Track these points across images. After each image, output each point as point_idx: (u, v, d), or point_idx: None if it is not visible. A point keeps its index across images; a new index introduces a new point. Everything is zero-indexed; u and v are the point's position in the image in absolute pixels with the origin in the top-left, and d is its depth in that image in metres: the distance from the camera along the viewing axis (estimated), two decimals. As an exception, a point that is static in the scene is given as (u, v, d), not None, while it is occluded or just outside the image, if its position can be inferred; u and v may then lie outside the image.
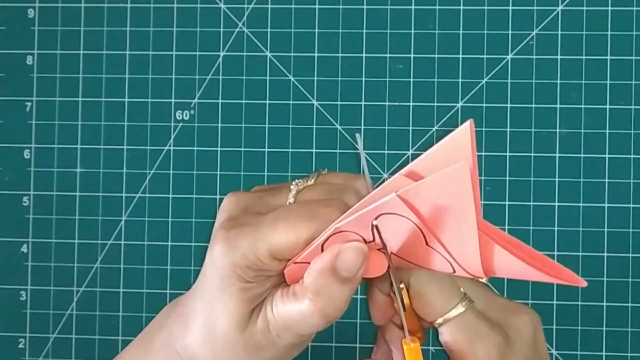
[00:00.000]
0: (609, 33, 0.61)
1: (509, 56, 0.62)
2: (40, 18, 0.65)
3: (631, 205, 0.61)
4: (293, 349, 0.40)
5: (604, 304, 0.60)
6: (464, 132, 0.31)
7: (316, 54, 0.63)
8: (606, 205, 0.61)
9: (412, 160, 0.34)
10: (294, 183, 0.39)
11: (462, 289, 0.39)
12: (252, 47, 0.63)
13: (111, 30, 0.64)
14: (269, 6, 0.63)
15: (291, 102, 0.63)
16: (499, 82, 0.62)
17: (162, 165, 0.63)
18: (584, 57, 0.61)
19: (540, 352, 0.40)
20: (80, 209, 0.64)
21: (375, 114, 0.62)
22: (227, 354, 0.38)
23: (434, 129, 0.62)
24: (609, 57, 0.61)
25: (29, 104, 0.64)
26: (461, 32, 0.62)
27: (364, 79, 0.63)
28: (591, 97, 0.61)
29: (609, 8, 0.61)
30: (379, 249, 0.37)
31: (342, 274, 0.37)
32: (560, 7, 0.62)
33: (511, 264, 0.35)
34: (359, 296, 0.61)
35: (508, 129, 0.61)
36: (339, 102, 0.63)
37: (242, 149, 0.63)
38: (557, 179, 0.61)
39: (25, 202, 0.64)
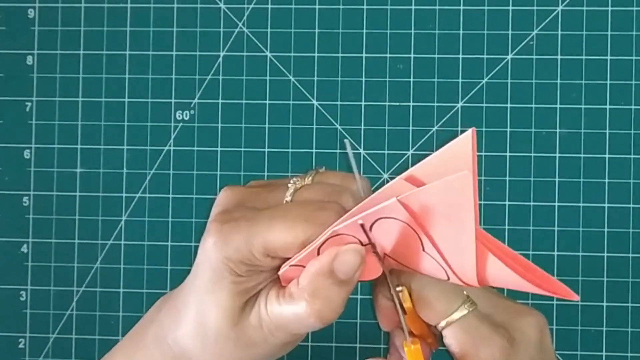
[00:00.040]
0: (609, 33, 0.61)
1: (509, 56, 0.62)
2: (40, 18, 0.65)
3: (631, 205, 0.61)
4: (285, 346, 0.39)
5: (604, 304, 0.60)
6: (466, 140, 0.31)
7: (316, 54, 0.63)
8: (606, 205, 0.61)
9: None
10: (291, 181, 0.39)
11: (465, 292, 0.39)
12: (252, 47, 0.63)
13: (111, 30, 0.64)
14: (269, 6, 0.63)
15: (291, 102, 0.63)
16: (499, 82, 0.62)
17: (162, 166, 0.63)
18: (584, 57, 0.61)
19: (547, 353, 0.40)
20: (80, 209, 0.64)
21: (375, 114, 0.62)
22: (218, 348, 0.38)
23: (434, 129, 0.62)
24: (609, 57, 0.61)
25: (29, 104, 0.64)
26: (461, 32, 0.62)
27: (364, 79, 0.63)
28: (591, 97, 0.61)
29: (609, 8, 0.61)
30: (374, 251, 0.37)
31: (340, 276, 0.37)
32: (560, 7, 0.62)
33: (505, 274, 0.35)
34: (359, 296, 0.61)
35: (508, 129, 0.61)
36: (339, 102, 0.63)
37: (242, 149, 0.63)
38: (557, 179, 0.61)
39: (25, 202, 0.64)
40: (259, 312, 0.38)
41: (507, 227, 0.61)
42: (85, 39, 0.64)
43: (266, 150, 0.63)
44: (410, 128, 0.62)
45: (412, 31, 0.63)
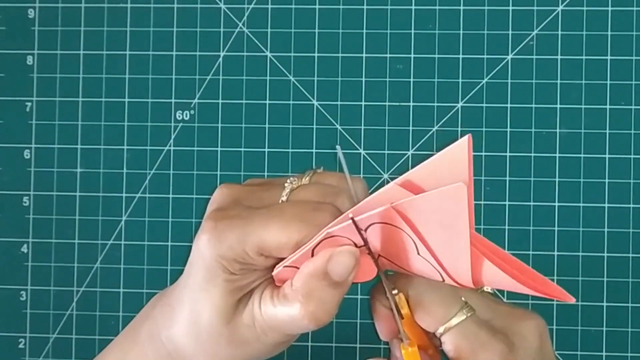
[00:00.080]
0: (609, 33, 0.61)
1: (509, 56, 0.62)
2: (40, 18, 0.65)
3: (631, 205, 0.61)
4: (279, 346, 0.39)
5: (604, 304, 0.60)
6: (462, 146, 0.31)
7: (316, 54, 0.63)
8: (606, 205, 0.61)
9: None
10: (288, 180, 0.39)
11: (462, 298, 0.39)
12: (252, 47, 0.63)
13: (111, 30, 0.64)
14: (269, 6, 0.63)
15: (291, 102, 0.63)
16: (499, 82, 0.62)
17: (162, 166, 0.63)
18: (584, 57, 0.61)
19: (547, 357, 0.40)
20: (81, 209, 0.64)
21: (375, 114, 0.62)
22: (211, 345, 0.38)
23: (434, 129, 0.62)
24: (609, 57, 0.61)
25: (29, 104, 0.64)
26: (461, 32, 0.62)
27: (364, 79, 0.63)
28: (591, 97, 0.61)
29: (609, 8, 0.61)
30: (368, 253, 0.37)
31: (334, 277, 0.37)
32: (560, 7, 0.62)
33: (500, 278, 0.35)
34: (359, 296, 0.61)
35: (508, 129, 0.61)
36: (339, 102, 0.63)
37: (242, 149, 0.63)
38: (557, 179, 0.61)
39: (25, 202, 0.64)
40: (252, 311, 0.38)
41: (507, 227, 0.61)
42: (85, 39, 0.64)
43: (266, 150, 0.63)
44: (410, 128, 0.62)
45: (412, 31, 0.63)
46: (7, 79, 0.65)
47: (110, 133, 0.64)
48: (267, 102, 0.63)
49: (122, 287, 0.63)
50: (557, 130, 0.61)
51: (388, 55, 0.63)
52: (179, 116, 0.64)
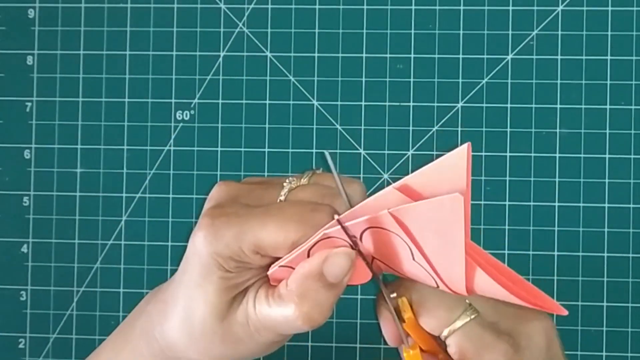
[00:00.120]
0: (609, 33, 0.61)
1: (509, 56, 0.62)
2: (40, 18, 0.65)
3: (631, 206, 0.61)
4: (271, 345, 0.39)
5: (604, 304, 0.60)
6: (461, 154, 0.31)
7: (316, 54, 0.63)
8: (606, 205, 0.61)
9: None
10: (287, 180, 0.39)
11: (467, 300, 0.39)
12: (252, 47, 0.63)
13: (111, 30, 0.64)
14: (269, 6, 0.63)
15: (291, 102, 0.63)
16: (499, 82, 0.62)
17: (162, 166, 0.63)
18: (584, 57, 0.61)
19: (555, 358, 0.39)
20: (81, 209, 0.64)
21: (375, 114, 0.62)
22: (204, 342, 0.38)
23: (434, 129, 0.62)
24: (609, 57, 0.61)
25: (29, 104, 0.64)
26: (461, 32, 0.62)
27: (364, 79, 0.63)
28: (591, 97, 0.61)
29: (609, 8, 0.61)
30: (360, 256, 0.37)
31: (329, 279, 0.37)
32: (560, 7, 0.62)
33: (492, 287, 0.35)
34: (359, 296, 0.61)
35: (508, 129, 0.61)
36: (339, 102, 0.63)
37: (242, 149, 0.63)
38: (557, 179, 0.61)
39: (25, 202, 0.64)
40: (246, 310, 0.38)
41: (507, 227, 0.61)
42: (86, 39, 0.64)
43: (266, 150, 0.63)
44: (410, 128, 0.62)
45: (412, 31, 0.63)
46: (7, 79, 0.65)
47: (110, 133, 0.64)
48: (267, 102, 0.63)
49: (122, 287, 0.63)
50: (557, 130, 0.61)
51: (388, 55, 0.63)
52: (179, 116, 0.64)
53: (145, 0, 0.64)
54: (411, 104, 0.62)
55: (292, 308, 0.36)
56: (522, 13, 0.62)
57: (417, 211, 0.33)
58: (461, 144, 0.64)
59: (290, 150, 0.63)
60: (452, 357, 0.39)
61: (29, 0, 0.65)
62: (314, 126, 0.63)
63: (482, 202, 0.61)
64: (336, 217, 0.35)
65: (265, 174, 0.63)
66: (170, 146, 0.64)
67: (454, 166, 0.32)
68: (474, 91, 0.62)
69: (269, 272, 0.38)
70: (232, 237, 0.36)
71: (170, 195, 0.63)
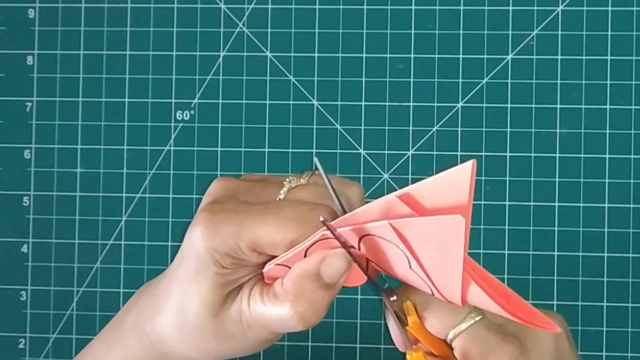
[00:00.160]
0: (609, 33, 0.61)
1: (509, 56, 0.62)
2: (40, 18, 0.65)
3: (631, 206, 0.61)
4: (263, 342, 0.39)
5: (604, 304, 0.60)
6: (465, 170, 0.31)
7: (316, 54, 0.63)
8: (606, 205, 0.61)
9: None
10: (287, 179, 0.39)
11: None
12: (253, 47, 0.63)
13: (111, 30, 0.64)
14: (269, 6, 0.63)
15: (291, 102, 0.63)
16: (499, 82, 0.62)
17: (162, 166, 0.63)
18: (584, 57, 0.61)
19: (566, 357, 0.39)
20: (81, 209, 0.64)
21: (375, 114, 0.62)
22: (195, 337, 0.38)
23: (434, 129, 0.62)
24: (609, 57, 0.61)
25: (29, 104, 0.64)
26: (461, 32, 0.62)
27: (364, 79, 0.63)
28: (591, 97, 0.61)
29: (609, 8, 0.61)
30: (353, 259, 0.37)
31: (326, 279, 0.37)
32: (560, 7, 0.62)
33: (486, 303, 0.35)
34: (359, 296, 0.61)
35: (508, 129, 0.61)
36: (339, 102, 0.63)
37: (242, 149, 0.63)
38: (557, 179, 0.61)
39: (25, 202, 0.64)
40: (240, 306, 0.38)
41: (507, 227, 0.61)
42: (86, 39, 0.64)
43: (266, 150, 0.63)
44: (410, 128, 0.62)
45: (412, 31, 0.63)
46: (7, 79, 0.65)
47: (110, 133, 0.64)
48: (267, 102, 0.63)
49: (122, 287, 0.63)
50: (557, 130, 0.61)
51: (388, 55, 0.63)
52: (179, 116, 0.64)
53: (145, 0, 0.64)
54: (411, 104, 0.62)
55: (287, 307, 0.37)
56: (522, 13, 0.62)
57: (417, 226, 0.33)
58: (461, 143, 0.64)
59: (290, 150, 0.63)
60: None
61: (29, 0, 0.65)
62: (314, 126, 0.63)
63: (482, 202, 0.61)
64: (321, 218, 0.35)
65: (265, 174, 0.63)
66: (170, 146, 0.64)
67: (457, 182, 0.32)
68: (474, 91, 0.62)
69: (264, 270, 0.38)
70: (230, 233, 0.36)
71: (170, 195, 0.63)
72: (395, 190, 0.34)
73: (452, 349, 0.39)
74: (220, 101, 0.63)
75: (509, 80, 0.62)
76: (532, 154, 0.61)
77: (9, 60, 0.65)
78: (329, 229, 0.35)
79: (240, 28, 0.64)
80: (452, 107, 0.62)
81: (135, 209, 0.63)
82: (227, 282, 0.38)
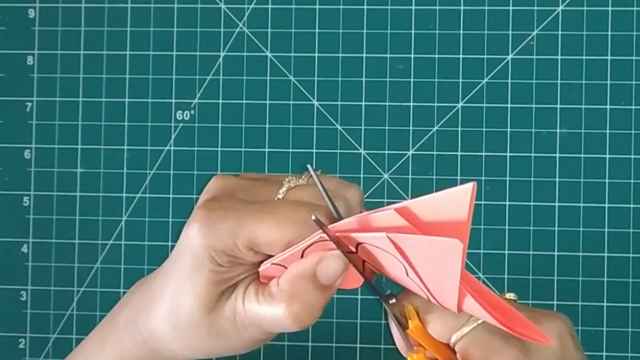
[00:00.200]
0: (609, 33, 0.61)
1: (509, 56, 0.62)
2: (40, 18, 0.65)
3: (631, 206, 0.61)
4: (257, 342, 0.39)
5: (604, 304, 0.60)
6: (466, 192, 0.31)
7: (316, 54, 0.63)
8: (606, 205, 0.61)
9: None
10: (286, 179, 0.39)
11: None
12: (253, 47, 0.63)
13: (111, 30, 0.64)
14: (269, 6, 0.63)
15: (291, 102, 0.63)
16: (499, 82, 0.62)
17: (163, 166, 0.63)
18: (584, 57, 0.61)
19: (570, 357, 0.39)
20: (81, 209, 0.64)
21: (376, 114, 0.62)
22: (189, 334, 0.38)
23: (434, 129, 0.62)
24: (609, 57, 0.61)
25: (29, 104, 0.64)
26: (461, 32, 0.62)
27: (364, 79, 0.63)
28: (591, 97, 0.61)
29: (609, 8, 0.61)
30: (350, 262, 0.37)
31: (322, 281, 0.37)
32: (560, 7, 0.62)
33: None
34: (359, 296, 0.61)
35: (508, 129, 0.61)
36: (339, 102, 0.63)
37: (242, 149, 0.63)
38: (557, 179, 0.61)
39: (25, 202, 0.64)
40: (234, 305, 0.38)
41: (507, 227, 0.61)
42: (86, 39, 0.64)
43: (266, 150, 0.63)
44: (411, 128, 0.62)
45: (412, 31, 0.63)
46: (7, 79, 0.65)
47: (110, 133, 0.64)
48: (267, 102, 0.63)
49: (122, 287, 0.63)
50: (557, 130, 0.61)
51: (388, 55, 0.63)
52: (179, 116, 0.64)
53: (145, 0, 0.64)
54: (411, 104, 0.62)
55: (282, 307, 0.37)
56: (522, 13, 0.62)
57: (415, 242, 0.33)
58: (461, 143, 0.64)
59: (290, 150, 0.63)
60: None
61: (29, 0, 0.65)
62: (314, 126, 0.63)
63: (482, 202, 0.61)
64: (313, 217, 0.35)
65: (265, 173, 0.63)
66: (170, 146, 0.64)
67: (457, 202, 0.32)
68: (474, 91, 0.62)
69: (260, 269, 0.38)
70: (228, 231, 0.36)
71: (171, 195, 0.63)
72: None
73: (455, 352, 0.39)
74: (221, 101, 0.63)
75: (509, 80, 0.62)
76: (532, 154, 0.61)
77: (9, 60, 0.65)
78: (322, 229, 0.35)
79: (241, 28, 0.64)
80: (452, 107, 0.62)
81: (135, 209, 0.63)
82: (222, 280, 0.37)
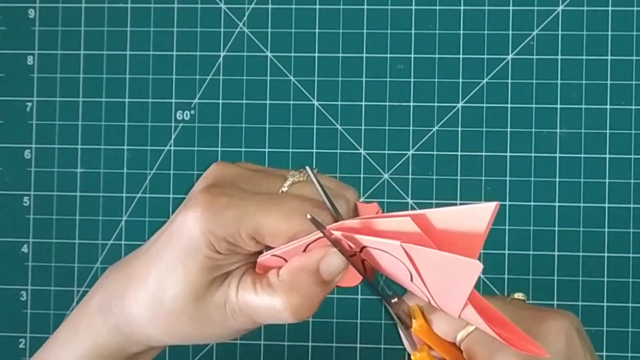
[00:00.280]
0: (609, 33, 0.61)
1: (510, 56, 0.62)
2: (40, 18, 0.65)
3: (631, 206, 0.61)
4: (239, 332, 0.39)
5: (604, 304, 0.60)
6: (487, 211, 0.31)
7: (316, 54, 0.63)
8: (606, 205, 0.61)
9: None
10: (290, 173, 0.39)
11: None
12: (253, 47, 0.63)
13: (111, 30, 0.64)
14: (270, 6, 0.63)
15: (291, 102, 0.63)
16: (499, 82, 0.62)
17: (163, 166, 0.63)
18: (584, 57, 0.61)
19: (577, 356, 0.39)
20: (81, 209, 0.64)
21: (376, 114, 0.62)
22: (170, 319, 0.37)
23: (434, 129, 0.62)
24: (609, 57, 0.61)
25: (29, 104, 0.64)
26: (461, 32, 0.62)
27: (364, 79, 0.63)
28: (591, 97, 0.61)
29: (609, 8, 0.61)
30: (350, 256, 0.37)
31: (324, 276, 0.37)
32: (560, 7, 0.62)
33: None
34: (359, 296, 0.61)
35: (508, 129, 0.61)
36: (339, 102, 0.63)
37: (242, 149, 0.63)
38: (557, 179, 0.61)
39: (25, 202, 0.64)
40: (226, 293, 0.37)
41: (507, 227, 0.61)
42: (86, 39, 0.64)
43: (266, 150, 0.63)
44: (411, 128, 0.62)
45: (412, 31, 0.63)
46: (7, 79, 0.65)
47: (110, 133, 0.64)
48: (267, 102, 0.63)
49: (122, 287, 0.63)
50: (557, 130, 0.61)
51: (388, 55, 0.63)
52: (179, 116, 0.64)
53: (145, 0, 0.64)
54: (411, 104, 0.62)
55: (281, 298, 0.36)
56: (522, 13, 0.62)
57: (431, 256, 0.33)
58: (461, 143, 0.64)
59: (290, 150, 0.63)
60: None
61: (29, 0, 0.65)
62: (314, 126, 0.63)
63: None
64: (309, 216, 0.35)
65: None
66: (170, 146, 0.64)
67: (477, 218, 0.32)
68: (474, 91, 0.62)
69: (259, 259, 0.38)
70: (232, 218, 0.36)
71: (171, 195, 0.63)
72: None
73: (460, 350, 0.39)
74: (221, 101, 0.63)
75: (509, 80, 0.62)
76: (532, 154, 0.61)
77: (9, 60, 0.65)
78: (319, 229, 0.35)
79: (241, 28, 0.64)
80: (452, 107, 0.62)
81: (135, 209, 0.63)
82: (215, 267, 0.37)
